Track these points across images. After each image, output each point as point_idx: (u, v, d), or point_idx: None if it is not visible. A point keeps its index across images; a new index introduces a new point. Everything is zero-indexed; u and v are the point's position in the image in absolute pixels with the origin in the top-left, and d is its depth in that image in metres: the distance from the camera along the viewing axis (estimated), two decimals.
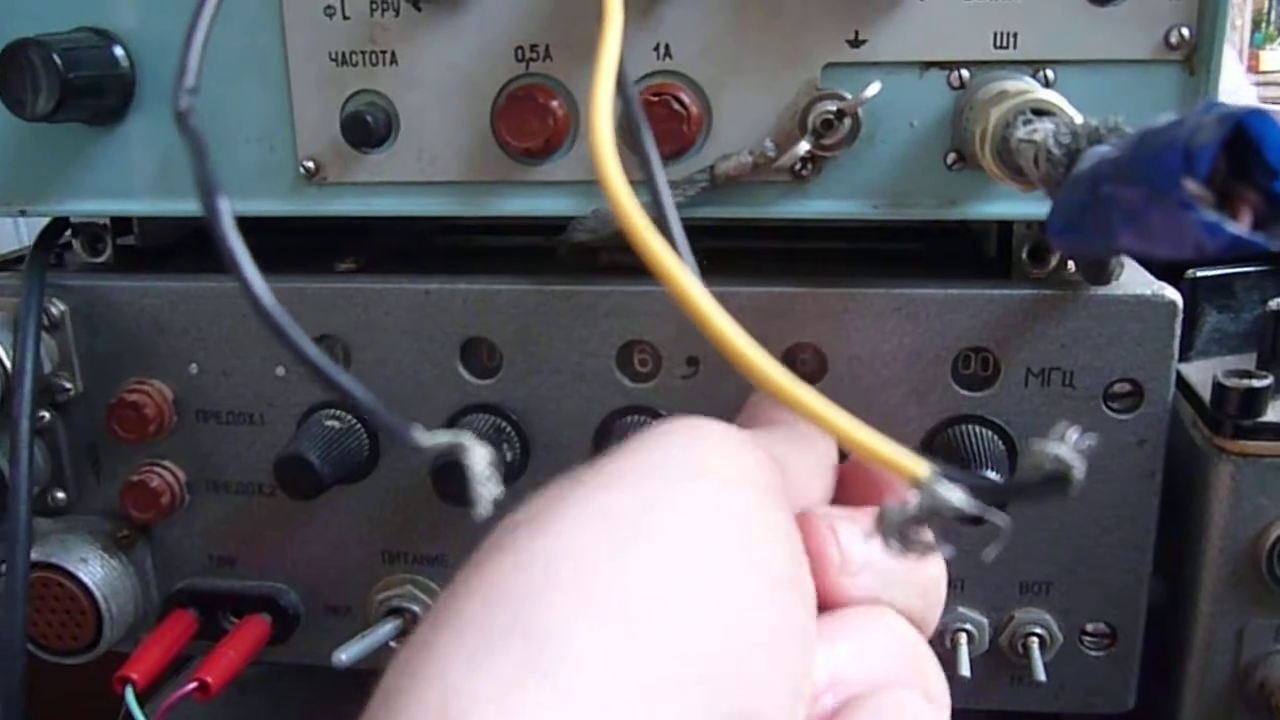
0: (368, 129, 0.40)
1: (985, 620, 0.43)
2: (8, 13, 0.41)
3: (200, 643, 0.46)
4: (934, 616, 0.29)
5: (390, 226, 0.46)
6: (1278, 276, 0.45)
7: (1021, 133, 0.30)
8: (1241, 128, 0.22)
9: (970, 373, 0.40)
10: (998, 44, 0.37)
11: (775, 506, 0.25)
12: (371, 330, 0.43)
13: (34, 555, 0.44)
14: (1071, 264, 0.39)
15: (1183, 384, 0.43)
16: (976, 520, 0.19)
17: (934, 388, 0.40)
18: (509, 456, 0.42)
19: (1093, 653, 0.43)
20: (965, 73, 0.37)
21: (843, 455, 0.34)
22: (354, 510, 0.45)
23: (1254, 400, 0.39)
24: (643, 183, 0.23)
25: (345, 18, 0.40)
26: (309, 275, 0.44)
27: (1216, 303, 0.45)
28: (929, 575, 0.28)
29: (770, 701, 0.21)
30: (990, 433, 0.40)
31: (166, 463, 0.46)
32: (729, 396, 0.36)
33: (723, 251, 0.44)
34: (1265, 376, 0.40)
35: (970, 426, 0.40)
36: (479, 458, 0.19)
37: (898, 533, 0.19)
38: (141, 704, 0.43)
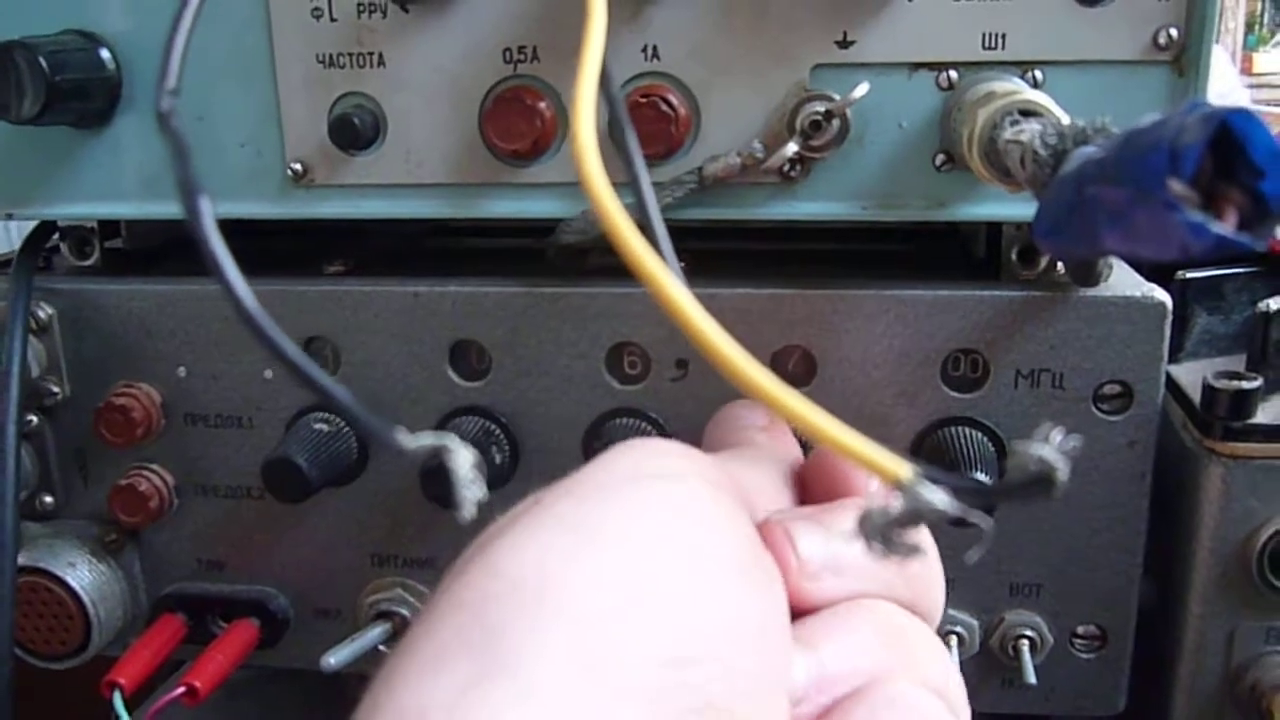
0: (355, 131, 0.40)
1: (975, 622, 0.43)
2: None
3: (190, 647, 0.46)
4: (931, 603, 0.28)
5: (380, 228, 0.45)
6: (1267, 278, 0.45)
7: (1008, 134, 0.30)
8: (1226, 127, 0.22)
9: (960, 374, 0.40)
10: (986, 45, 0.37)
11: (729, 499, 0.25)
12: (360, 332, 0.43)
13: (22, 560, 0.44)
14: (1061, 265, 0.39)
15: (1173, 385, 0.43)
16: (960, 522, 0.19)
17: (923, 389, 0.40)
18: (498, 459, 0.42)
19: (1083, 655, 0.43)
20: (954, 74, 0.37)
21: (806, 449, 0.34)
22: (343, 513, 0.45)
23: (1243, 402, 0.39)
24: (627, 184, 0.23)
25: (333, 19, 0.40)
26: (298, 277, 0.43)
27: (1206, 304, 0.45)
28: (916, 564, 0.28)
29: (739, 689, 0.21)
30: (980, 434, 0.40)
31: (155, 466, 0.45)
32: (718, 399, 0.36)
33: (711, 253, 0.44)
34: (1255, 378, 0.40)
35: (960, 428, 0.40)
36: (463, 460, 0.19)
37: (880, 535, 0.19)
38: (130, 709, 0.42)
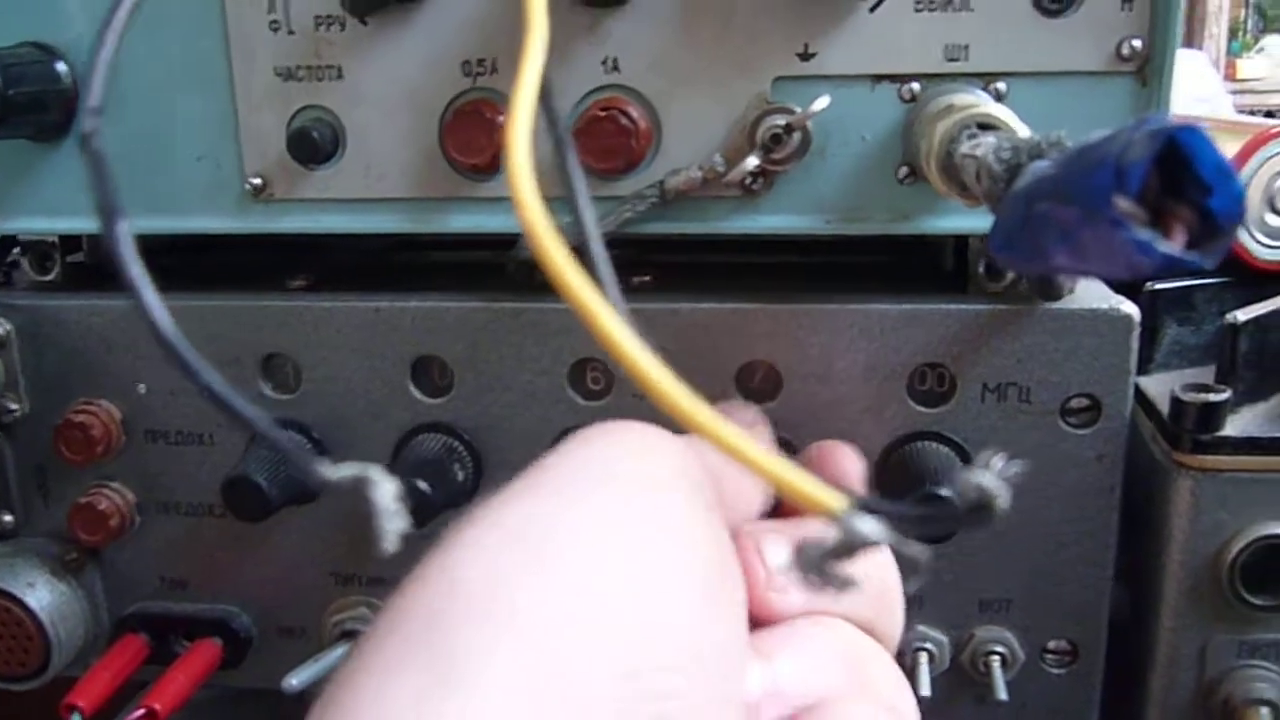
0: (314, 145, 0.39)
1: (945, 639, 0.42)
2: None
3: (153, 668, 0.45)
4: (891, 624, 0.28)
5: (342, 243, 0.45)
6: (1238, 289, 0.45)
7: (965, 148, 0.30)
8: (1174, 143, 0.21)
9: (926, 389, 0.40)
10: (949, 56, 0.37)
11: (700, 507, 0.24)
12: (321, 348, 0.42)
13: None
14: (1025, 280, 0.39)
15: (1142, 398, 0.42)
16: (897, 553, 0.18)
17: (890, 404, 0.40)
18: (461, 476, 0.41)
19: (1054, 670, 0.42)
20: (916, 85, 0.37)
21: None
22: (305, 532, 0.44)
23: (1212, 414, 0.39)
24: (562, 199, 0.23)
25: (290, 32, 0.39)
26: (258, 293, 0.43)
27: (1176, 315, 0.45)
28: (876, 584, 0.28)
29: (690, 704, 0.20)
30: (946, 449, 0.39)
31: (115, 484, 0.45)
32: None
33: (675, 266, 0.43)
34: (1223, 390, 0.39)
35: (926, 443, 0.39)
36: (385, 492, 0.19)
37: (815, 568, 0.19)
38: None
